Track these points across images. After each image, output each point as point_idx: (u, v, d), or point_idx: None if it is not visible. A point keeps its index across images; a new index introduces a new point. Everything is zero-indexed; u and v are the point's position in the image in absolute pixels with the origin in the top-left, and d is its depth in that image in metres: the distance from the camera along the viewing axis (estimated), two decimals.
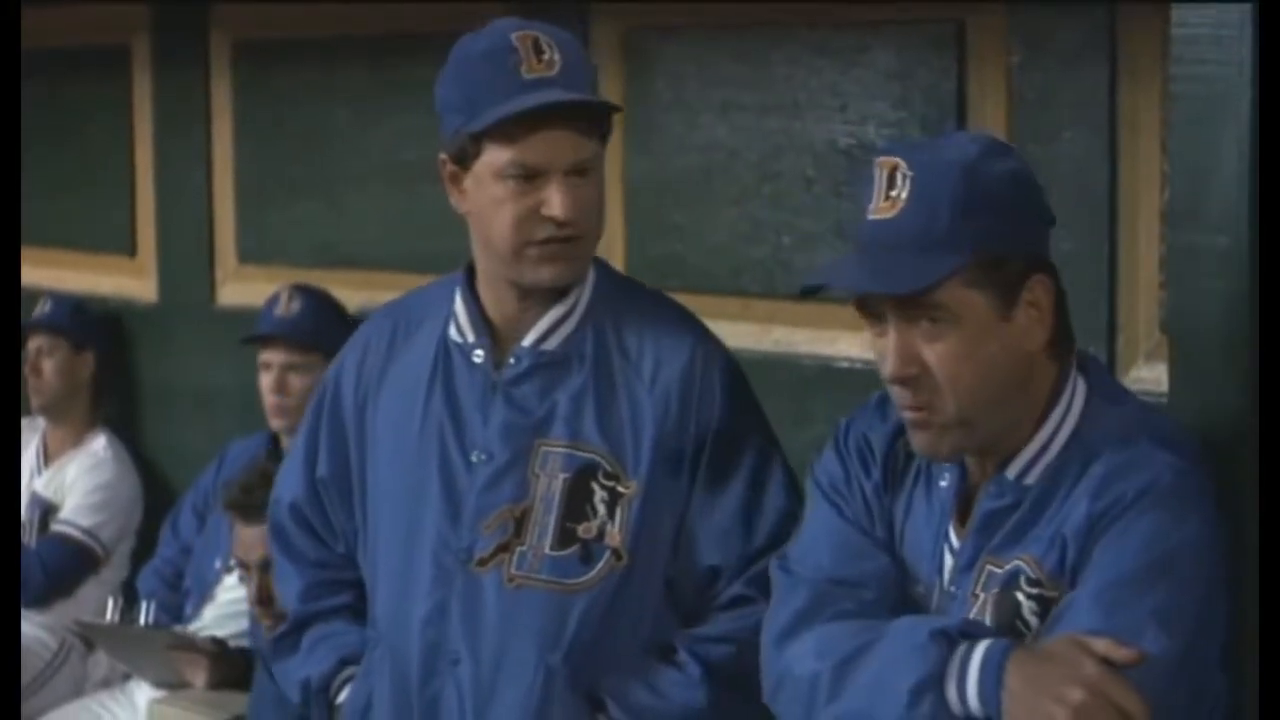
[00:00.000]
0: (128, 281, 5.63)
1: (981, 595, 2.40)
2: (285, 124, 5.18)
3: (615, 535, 2.82)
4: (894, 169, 2.38)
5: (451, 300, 2.92)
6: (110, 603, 4.68)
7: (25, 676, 4.88)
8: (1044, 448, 2.41)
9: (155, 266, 5.58)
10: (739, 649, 2.80)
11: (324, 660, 2.99)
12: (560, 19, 4.32)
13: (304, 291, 4.72)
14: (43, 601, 5.11)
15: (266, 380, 4.64)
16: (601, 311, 2.88)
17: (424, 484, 2.87)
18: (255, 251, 5.29)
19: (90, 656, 5.11)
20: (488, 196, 2.78)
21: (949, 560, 2.46)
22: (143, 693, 4.55)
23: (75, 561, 5.17)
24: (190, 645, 4.39)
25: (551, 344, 2.86)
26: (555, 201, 2.75)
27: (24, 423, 5.25)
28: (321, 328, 4.66)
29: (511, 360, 2.86)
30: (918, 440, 2.42)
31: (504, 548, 2.83)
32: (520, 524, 2.83)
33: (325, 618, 3.02)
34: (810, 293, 2.48)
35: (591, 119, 2.80)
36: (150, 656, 4.48)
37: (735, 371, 2.91)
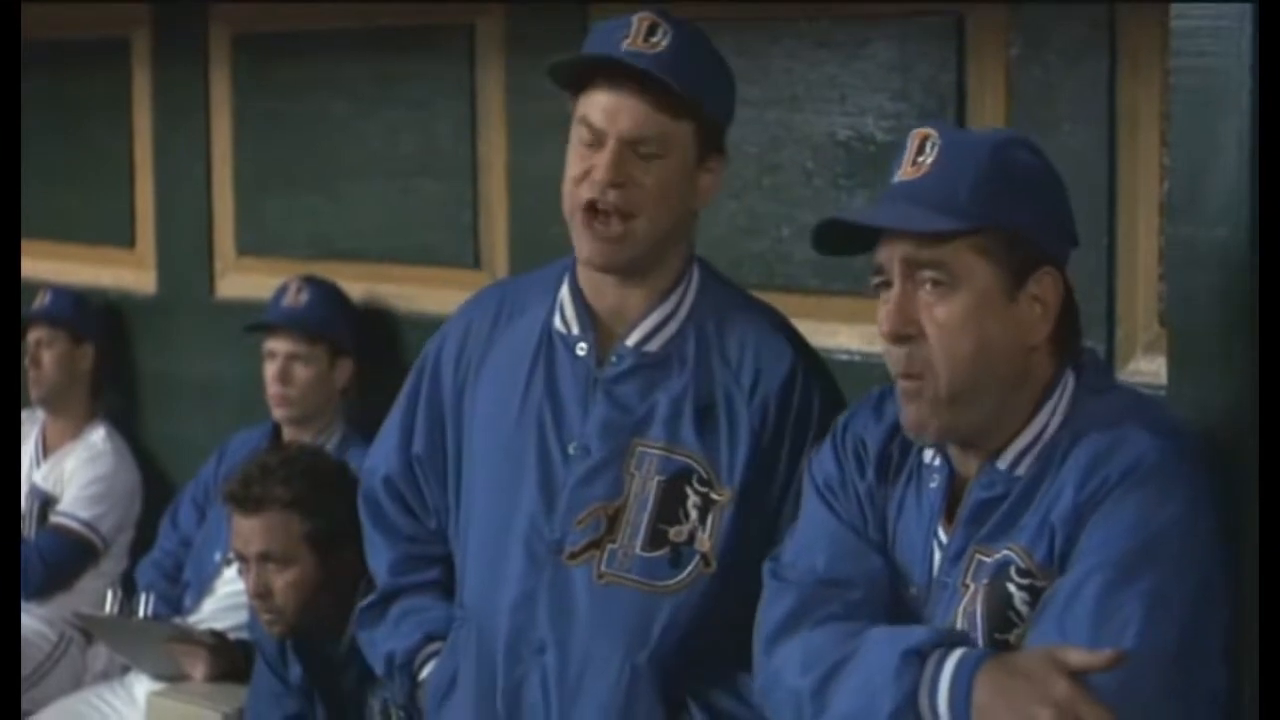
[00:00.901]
0: (127, 273, 5.63)
1: (971, 585, 2.40)
2: (284, 117, 5.18)
3: (705, 541, 2.83)
4: (925, 138, 2.43)
5: (558, 287, 2.94)
6: (109, 595, 4.68)
7: (24, 669, 4.88)
8: (1035, 439, 2.42)
9: (155, 259, 5.58)
10: None
11: (410, 635, 3.01)
12: (560, 16, 4.35)
13: (312, 283, 4.75)
14: (42, 593, 5.11)
15: (271, 369, 4.65)
16: (704, 314, 2.90)
17: (521, 470, 2.89)
18: (254, 244, 5.29)
19: (89, 649, 5.11)
20: (569, 152, 2.83)
21: (938, 556, 2.47)
22: (141, 685, 4.54)
23: (74, 553, 5.17)
24: (189, 638, 4.39)
25: (654, 345, 2.88)
26: (600, 164, 2.77)
27: (23, 414, 5.25)
28: (328, 319, 4.69)
29: (614, 358, 2.88)
30: (907, 415, 2.43)
31: (595, 544, 2.84)
32: (613, 522, 2.84)
33: (413, 592, 3.04)
34: (824, 242, 2.49)
35: (672, 99, 2.78)
36: (149, 649, 4.48)
37: (832, 387, 2.93)
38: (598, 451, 2.86)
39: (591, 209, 2.78)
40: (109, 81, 5.64)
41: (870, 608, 2.47)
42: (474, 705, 2.90)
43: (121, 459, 5.34)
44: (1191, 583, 2.31)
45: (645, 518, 2.83)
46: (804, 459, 2.78)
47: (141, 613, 4.55)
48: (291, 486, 3.78)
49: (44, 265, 5.65)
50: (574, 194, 2.80)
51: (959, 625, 2.40)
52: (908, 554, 2.51)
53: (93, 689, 4.80)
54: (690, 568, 2.83)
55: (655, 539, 2.83)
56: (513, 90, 4.58)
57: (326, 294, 4.75)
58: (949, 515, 2.47)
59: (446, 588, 3.02)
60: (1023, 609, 2.36)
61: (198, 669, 4.35)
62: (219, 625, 4.48)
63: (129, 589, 4.78)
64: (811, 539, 2.56)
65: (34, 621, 5.05)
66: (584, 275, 2.90)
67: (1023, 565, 2.37)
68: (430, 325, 3.44)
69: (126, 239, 5.64)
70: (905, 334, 2.40)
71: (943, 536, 2.47)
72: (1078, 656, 2.22)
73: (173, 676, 4.42)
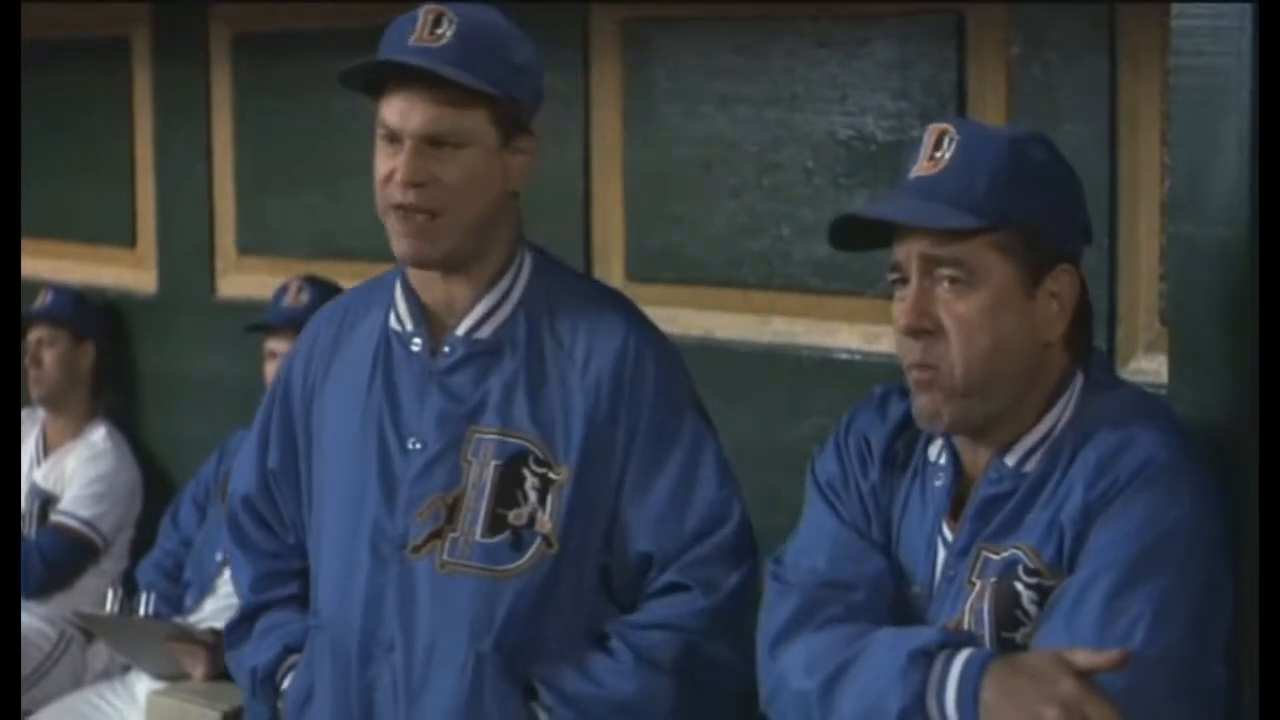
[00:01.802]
0: (128, 273, 5.63)
1: (978, 583, 2.40)
2: (285, 116, 5.18)
3: (546, 522, 2.82)
4: (943, 134, 2.42)
5: (394, 290, 2.94)
6: (110, 593, 4.68)
7: (25, 668, 4.88)
8: (1044, 437, 2.42)
9: (155, 258, 5.58)
10: (672, 636, 2.82)
11: (270, 649, 3.01)
12: (560, 11, 4.35)
13: (313, 283, 4.75)
14: (42, 593, 5.11)
15: (271, 369, 4.65)
16: (536, 298, 2.89)
17: (364, 472, 2.89)
18: (255, 243, 5.29)
19: (90, 648, 5.11)
20: (376, 153, 2.84)
21: (942, 554, 2.46)
22: (142, 684, 4.55)
23: (74, 552, 5.17)
24: (189, 637, 4.39)
25: (484, 332, 2.87)
26: (399, 165, 2.77)
27: (24, 414, 5.25)
28: None
29: (446, 349, 2.87)
30: (919, 403, 2.43)
31: (436, 535, 2.84)
32: (452, 511, 2.83)
33: (274, 607, 3.05)
34: (839, 237, 2.48)
35: (460, 91, 2.77)
36: (149, 647, 4.48)
37: (670, 358, 2.91)
38: (434, 443, 2.85)
39: (400, 209, 2.79)
40: (109, 81, 5.64)
41: (872, 609, 2.46)
42: (330, 712, 2.90)
43: (122, 458, 5.34)
44: (1198, 583, 2.31)
45: (484, 504, 2.82)
46: (639, 432, 2.82)
47: (142, 611, 4.56)
48: None
49: (44, 264, 5.66)
50: (383, 195, 2.81)
51: (966, 622, 2.40)
52: (911, 553, 2.51)
53: (93, 688, 4.80)
54: (532, 550, 2.82)
55: (494, 524, 2.82)
56: None
57: (327, 294, 4.71)
58: (954, 514, 2.47)
59: (306, 601, 3.02)
60: (1030, 608, 2.36)
61: (198, 668, 4.35)
62: (220, 624, 4.47)
63: (129, 588, 4.79)
64: (813, 540, 2.55)
65: (34, 620, 5.05)
66: (413, 273, 2.91)
67: (1031, 564, 2.37)
68: None
69: (127, 238, 5.64)
70: (922, 328, 2.39)
71: (947, 534, 2.46)
72: (1085, 657, 2.22)
73: (173, 675, 4.42)
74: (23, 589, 4.84)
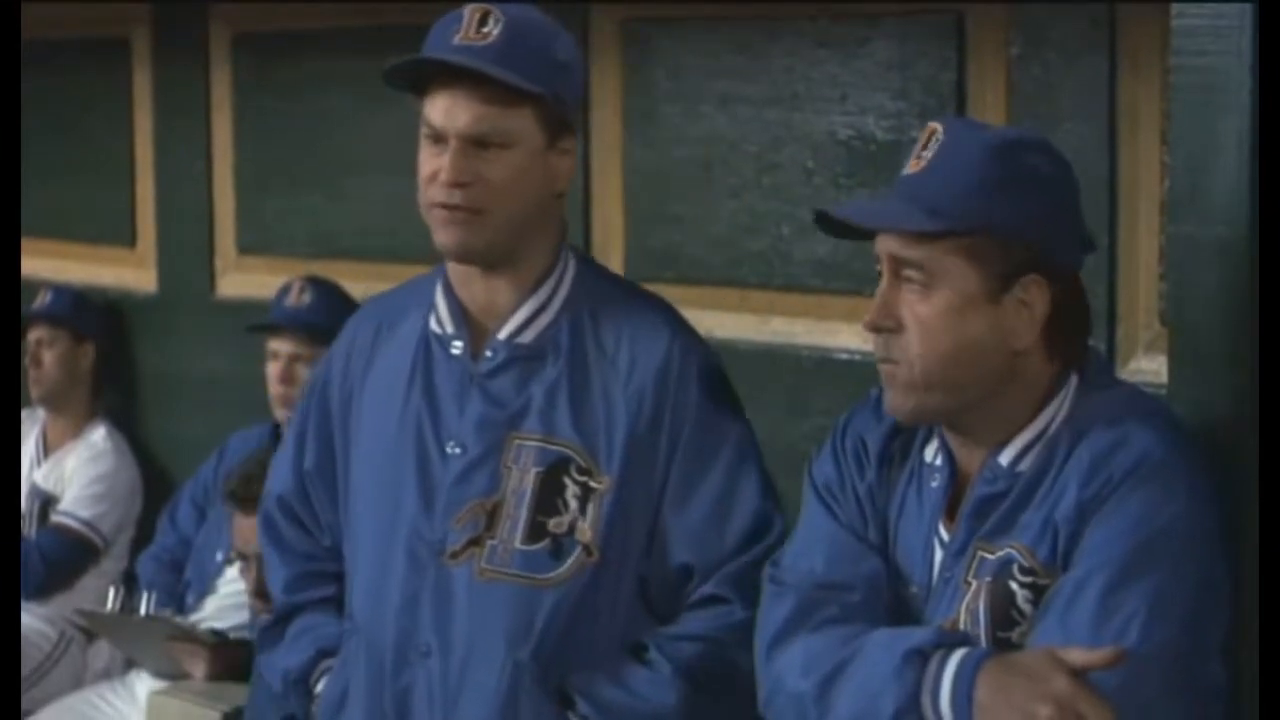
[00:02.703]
0: (128, 272, 5.64)
1: (974, 583, 2.40)
2: (285, 115, 5.18)
3: (586, 531, 2.79)
4: (932, 133, 2.42)
5: (434, 292, 2.91)
6: (111, 592, 4.69)
7: (25, 668, 4.88)
8: (1038, 436, 2.42)
9: (155, 257, 5.58)
10: (710, 648, 2.79)
11: (304, 651, 2.99)
12: (560, 12, 4.34)
13: (316, 284, 4.74)
14: (42, 593, 5.11)
15: (273, 369, 4.65)
16: (579, 304, 2.86)
17: (402, 476, 2.86)
18: (255, 242, 5.29)
19: (90, 648, 5.11)
20: (420, 152, 2.82)
21: (939, 554, 2.47)
22: (142, 684, 4.55)
23: (75, 552, 5.18)
24: (190, 636, 4.39)
25: (527, 336, 2.84)
26: (444, 165, 2.76)
27: (24, 414, 5.26)
28: (331, 321, 4.64)
29: (488, 353, 2.84)
30: (885, 396, 2.46)
31: (475, 541, 2.81)
32: (492, 517, 2.80)
33: (308, 609, 3.02)
34: (822, 221, 2.50)
35: (506, 91, 2.74)
36: (150, 647, 4.48)
37: (713, 369, 2.88)
38: (474, 448, 2.82)
39: (444, 208, 2.78)
40: (109, 81, 5.64)
41: (869, 610, 2.46)
42: (364, 717, 2.87)
43: (122, 458, 5.34)
44: (1193, 581, 2.31)
45: (524, 511, 2.79)
46: (682, 442, 2.79)
47: (143, 610, 4.56)
48: None
49: (44, 264, 5.66)
50: (426, 194, 2.80)
51: (962, 622, 2.40)
52: (908, 553, 2.51)
53: (93, 688, 4.80)
54: (571, 559, 2.79)
55: (534, 532, 2.79)
56: None
57: (329, 295, 4.74)
58: (950, 514, 2.47)
59: (341, 604, 2.99)
60: (1025, 607, 2.36)
61: (198, 668, 4.35)
62: (221, 624, 4.48)
63: (130, 587, 4.79)
64: (810, 542, 2.55)
65: (34, 621, 5.05)
66: (455, 274, 2.88)
67: (1025, 564, 2.37)
68: None
69: (127, 238, 5.65)
70: (884, 326, 2.41)
71: (944, 535, 2.47)
72: (1079, 655, 2.23)
73: (174, 675, 4.42)
74: (23, 589, 4.83)
